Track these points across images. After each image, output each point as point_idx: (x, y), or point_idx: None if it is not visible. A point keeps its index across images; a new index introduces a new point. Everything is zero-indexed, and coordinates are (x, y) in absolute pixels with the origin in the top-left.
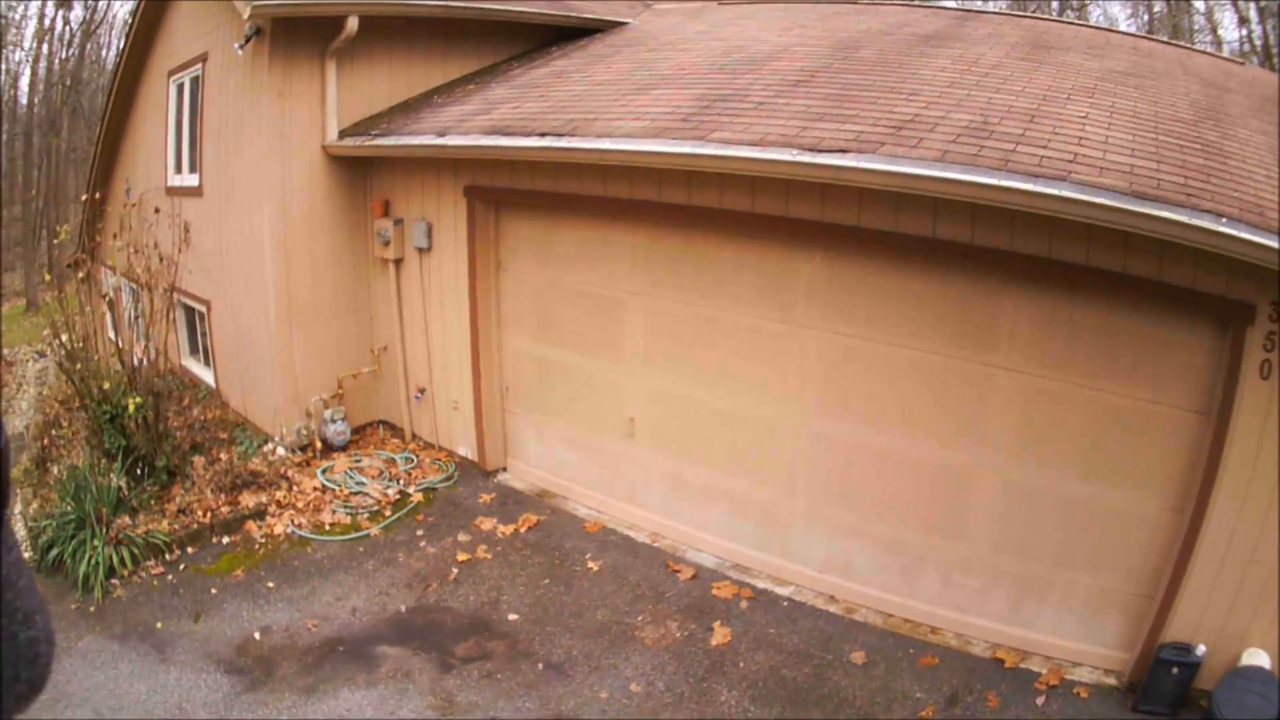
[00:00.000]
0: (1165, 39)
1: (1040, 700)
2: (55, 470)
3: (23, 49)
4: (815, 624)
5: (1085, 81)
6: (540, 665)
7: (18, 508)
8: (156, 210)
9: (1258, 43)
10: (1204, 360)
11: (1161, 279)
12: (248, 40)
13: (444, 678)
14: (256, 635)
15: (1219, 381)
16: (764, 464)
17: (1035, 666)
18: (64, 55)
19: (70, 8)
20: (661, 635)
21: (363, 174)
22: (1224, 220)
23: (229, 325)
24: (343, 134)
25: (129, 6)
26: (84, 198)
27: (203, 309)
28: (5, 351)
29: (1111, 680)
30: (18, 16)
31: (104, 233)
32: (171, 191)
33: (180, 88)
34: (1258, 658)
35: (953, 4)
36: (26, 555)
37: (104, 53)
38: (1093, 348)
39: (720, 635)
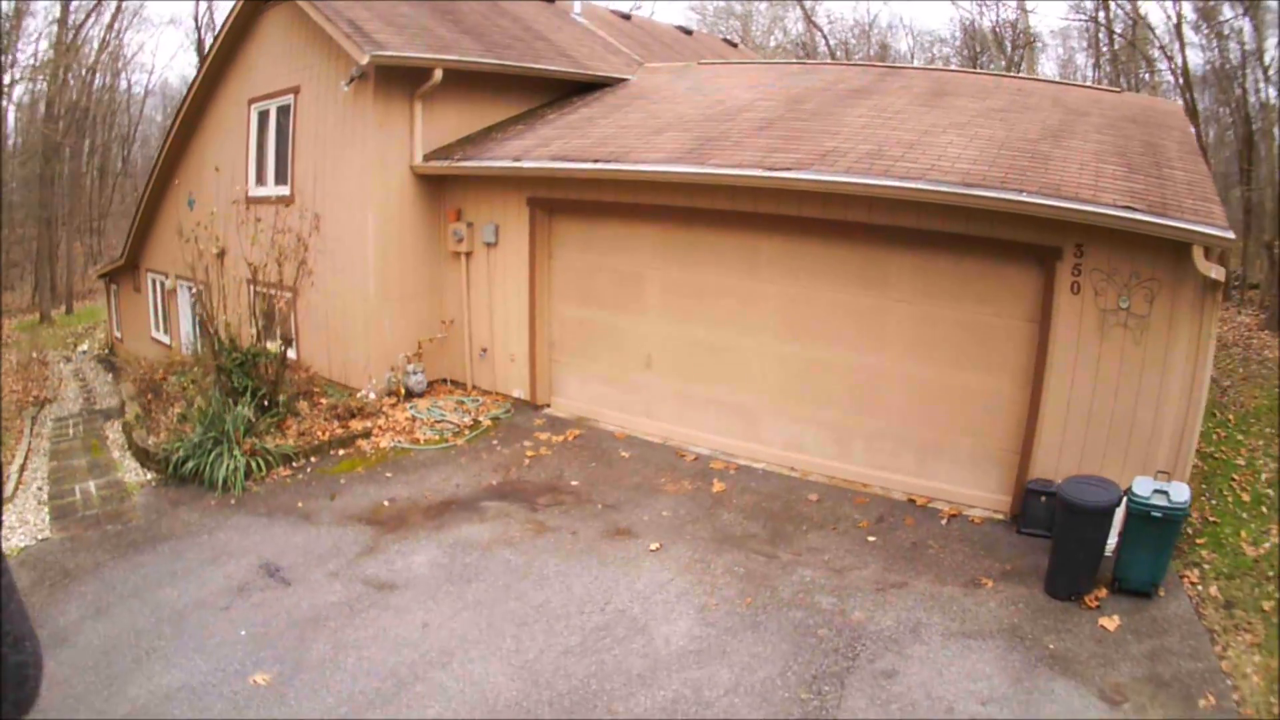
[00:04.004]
0: (1046, 79)
1: (944, 523)
2: (164, 417)
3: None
4: (781, 482)
5: (961, 119)
6: (599, 505)
7: (119, 458)
8: (288, 204)
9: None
10: (1034, 286)
11: (994, 236)
12: (352, 80)
13: (534, 514)
14: (385, 503)
15: (1042, 300)
16: (742, 378)
17: (940, 506)
18: (79, 78)
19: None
20: (679, 488)
21: (438, 189)
22: (1023, 193)
23: (319, 305)
24: (426, 157)
25: (139, 36)
26: (136, 212)
27: (288, 294)
28: (34, 354)
29: (999, 516)
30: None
31: (156, 240)
32: (252, 201)
33: (264, 114)
34: None
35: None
36: (158, 475)
37: (117, 79)
38: (952, 283)
39: (718, 487)
